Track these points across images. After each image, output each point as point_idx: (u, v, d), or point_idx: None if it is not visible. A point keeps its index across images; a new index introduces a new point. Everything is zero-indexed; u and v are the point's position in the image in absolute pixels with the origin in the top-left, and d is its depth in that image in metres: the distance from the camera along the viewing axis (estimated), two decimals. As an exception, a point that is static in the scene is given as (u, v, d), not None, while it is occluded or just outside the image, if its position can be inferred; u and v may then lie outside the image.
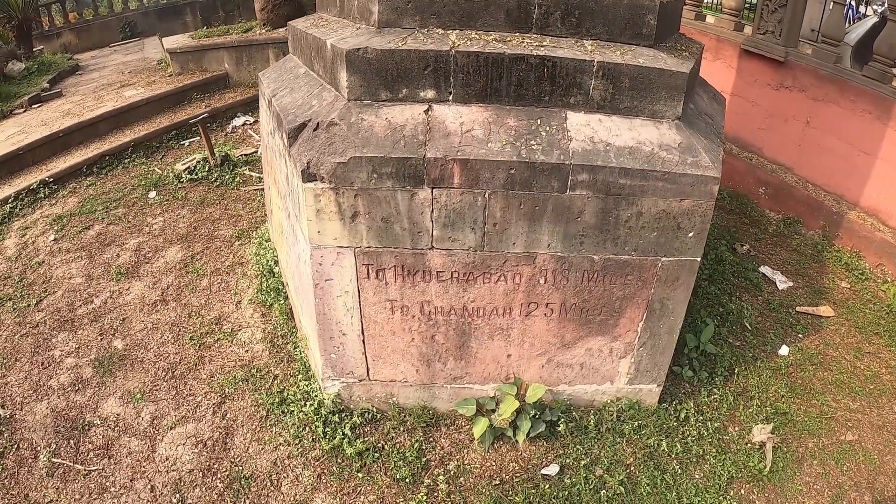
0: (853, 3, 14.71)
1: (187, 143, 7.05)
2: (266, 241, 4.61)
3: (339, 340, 2.71)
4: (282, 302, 3.90)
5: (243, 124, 7.70)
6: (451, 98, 2.36)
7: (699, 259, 2.63)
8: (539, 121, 2.34)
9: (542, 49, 2.31)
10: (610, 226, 2.42)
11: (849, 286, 4.92)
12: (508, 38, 2.39)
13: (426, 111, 2.34)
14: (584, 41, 2.48)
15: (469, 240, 2.37)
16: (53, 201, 5.76)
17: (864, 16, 11.04)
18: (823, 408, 3.50)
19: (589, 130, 2.36)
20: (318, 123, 2.41)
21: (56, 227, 5.23)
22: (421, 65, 2.30)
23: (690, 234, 2.53)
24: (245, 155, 6.58)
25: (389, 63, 2.31)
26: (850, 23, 13.03)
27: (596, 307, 2.62)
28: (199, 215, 5.35)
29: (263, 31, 9.00)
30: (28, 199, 5.74)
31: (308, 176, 2.30)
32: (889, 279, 4.93)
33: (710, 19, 6.96)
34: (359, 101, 2.40)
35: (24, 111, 7.81)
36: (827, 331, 4.25)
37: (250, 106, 8.21)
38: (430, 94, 2.35)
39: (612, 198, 2.36)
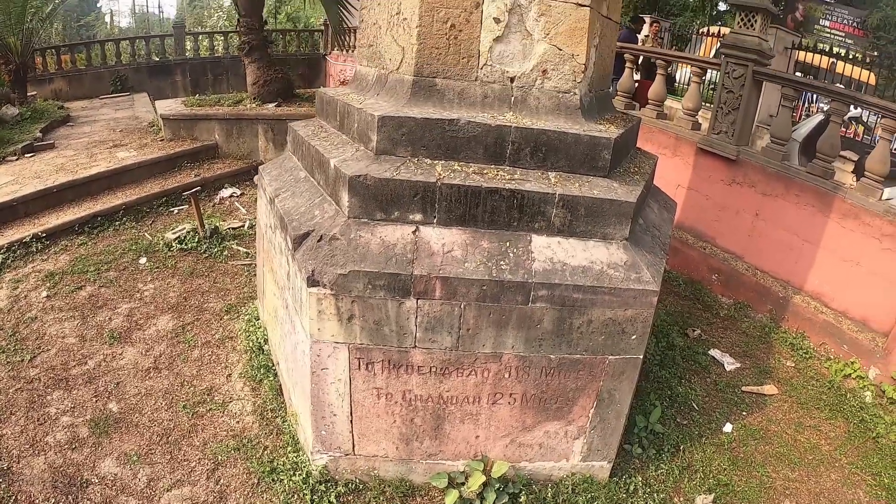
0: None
1: (176, 211, 7.45)
2: (255, 320, 4.96)
3: (329, 420, 3.12)
4: (271, 379, 4.26)
5: (230, 196, 8.11)
6: (435, 221, 2.87)
7: (641, 356, 3.13)
8: (508, 243, 2.86)
9: (513, 182, 2.85)
10: (565, 331, 2.92)
11: (793, 365, 5.46)
12: (485, 171, 2.93)
13: (414, 232, 2.84)
14: (549, 173, 3.03)
15: (446, 341, 2.84)
16: (45, 257, 6.04)
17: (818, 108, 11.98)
18: (763, 478, 3.94)
19: (549, 252, 2.88)
20: (321, 236, 2.89)
21: (48, 284, 5.49)
22: (411, 192, 2.81)
23: (633, 337, 3.04)
24: (233, 228, 6.96)
25: (385, 189, 2.82)
26: (808, 103, 14.12)
27: (553, 397, 3.09)
28: (188, 285, 5.69)
29: (253, 104, 9.52)
30: (20, 251, 5.99)
31: (312, 282, 2.76)
32: (832, 357, 5.49)
33: (674, 112, 7.69)
34: (357, 218, 2.89)
35: (17, 159, 8.10)
36: (770, 408, 4.75)
37: (238, 178, 8.65)
38: (418, 217, 2.86)
39: (567, 308, 2.86)
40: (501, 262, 2.78)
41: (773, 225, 6.30)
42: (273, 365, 4.39)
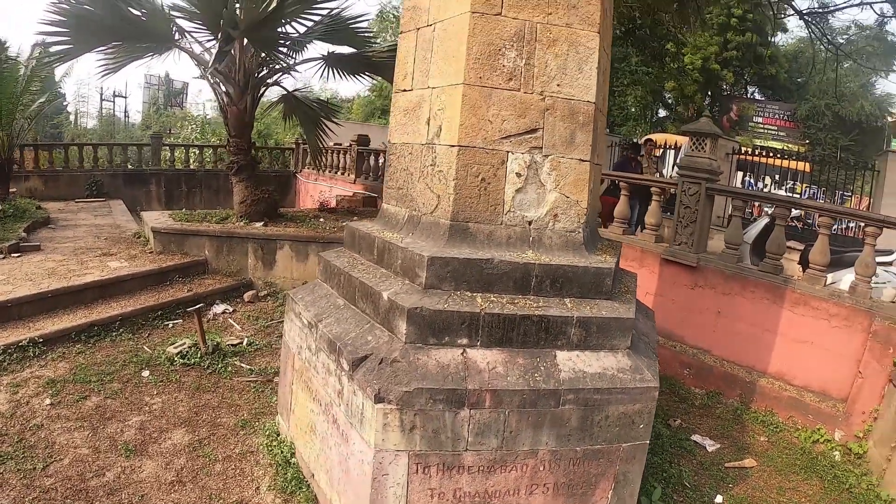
0: (749, 180, 17.67)
1: (171, 325, 7.87)
2: (276, 435, 5.35)
3: (386, 521, 3.68)
4: (305, 490, 4.60)
5: (223, 312, 8.58)
6: (478, 344, 3.60)
7: (648, 442, 3.84)
8: (538, 359, 3.61)
9: (540, 310, 3.64)
10: (587, 426, 3.62)
11: (767, 439, 6.32)
12: (516, 300, 3.71)
13: (462, 353, 3.56)
14: (565, 299, 3.83)
15: (493, 443, 3.50)
16: (43, 363, 6.29)
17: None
18: (756, 535, 4.65)
19: (571, 363, 3.63)
20: (381, 359, 3.57)
21: (51, 392, 5.72)
22: (459, 321, 3.55)
23: (641, 426, 3.76)
24: (232, 345, 7.39)
25: (438, 319, 3.54)
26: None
27: (579, 483, 3.75)
28: (197, 400, 6.01)
29: (240, 223, 10.17)
30: (17, 355, 6.18)
31: (378, 399, 3.40)
32: (800, 427, 6.42)
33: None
34: (413, 343, 3.59)
35: (4, 258, 8.50)
36: (752, 478, 5.50)
37: (228, 295, 9.12)
38: (465, 341, 3.59)
39: (589, 408, 3.58)
40: (535, 375, 3.51)
41: (734, 320, 7.26)
42: (305, 478, 4.79)
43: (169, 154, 19.14)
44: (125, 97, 40.88)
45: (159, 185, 17.42)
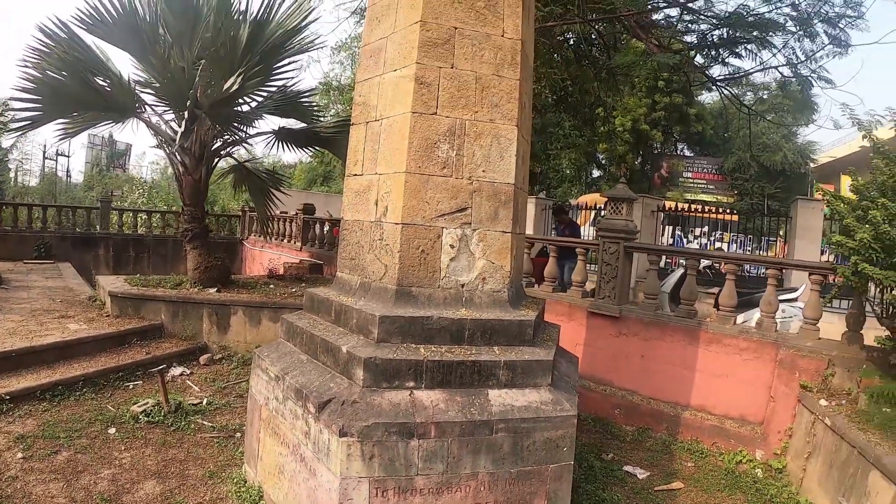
0: (679, 234, 19.20)
1: (132, 386, 8.38)
2: (243, 482, 5.94)
3: (350, 542, 4.44)
4: None
5: (181, 374, 9.13)
6: (423, 386, 4.46)
7: (572, 462, 4.73)
8: (473, 397, 4.49)
9: (473, 356, 4.55)
10: (518, 451, 4.49)
11: (693, 464, 7.30)
12: (453, 349, 4.61)
13: (410, 394, 4.41)
14: (494, 347, 4.75)
15: (439, 468, 4.33)
16: (11, 419, 6.70)
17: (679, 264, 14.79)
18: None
19: (501, 399, 4.53)
20: (343, 401, 4.39)
21: (22, 446, 6.09)
22: (407, 367, 4.42)
23: (565, 449, 4.66)
24: (193, 405, 7.91)
25: (389, 366, 4.41)
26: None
27: (516, 500, 4.59)
28: (164, 455, 6.47)
29: (194, 289, 10.79)
30: None
31: (342, 433, 4.21)
32: (723, 451, 7.48)
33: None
34: (369, 388, 4.43)
35: None
36: (681, 498, 6.43)
37: (184, 358, 9.66)
38: (412, 383, 4.45)
39: (519, 435, 4.46)
40: (472, 409, 4.39)
41: (657, 361, 8.30)
42: (273, 517, 5.51)
43: (117, 218, 19.59)
44: (68, 156, 41.05)
45: (108, 250, 17.88)
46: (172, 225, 20.85)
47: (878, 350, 6.77)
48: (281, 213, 17.08)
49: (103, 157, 47.86)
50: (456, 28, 5.12)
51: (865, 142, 6.96)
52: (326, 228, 16.59)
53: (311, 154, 13.96)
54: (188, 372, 9.30)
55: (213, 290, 10.86)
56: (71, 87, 9.73)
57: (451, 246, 4.95)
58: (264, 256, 18.58)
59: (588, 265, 9.86)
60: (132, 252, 18.45)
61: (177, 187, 12.43)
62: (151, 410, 7.41)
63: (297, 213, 17.46)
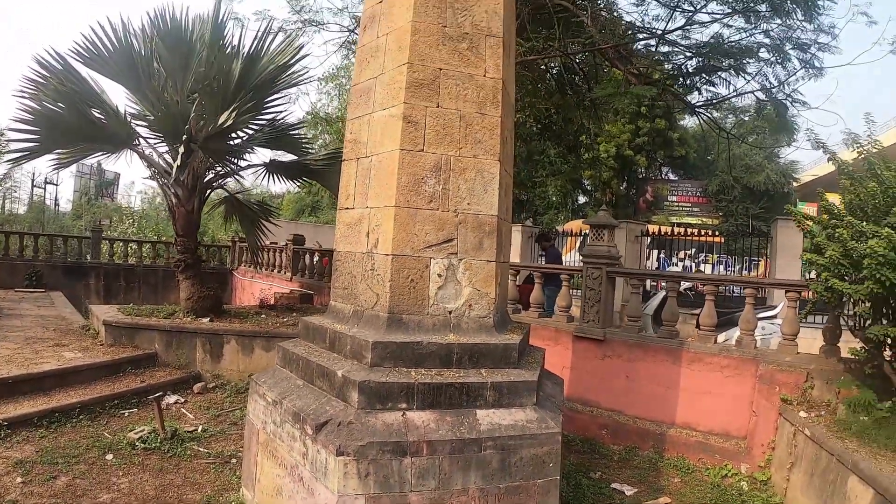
0: (664, 258, 19.63)
1: (127, 413, 8.57)
2: None
3: (347, 557, 4.70)
4: None
5: (175, 402, 9.33)
6: (415, 407, 4.76)
7: (559, 478, 5.02)
8: (462, 416, 4.80)
9: (461, 378, 4.86)
10: (506, 467, 4.79)
11: (680, 480, 7.59)
12: (443, 372, 4.92)
13: (402, 415, 4.71)
14: (481, 370, 5.07)
15: (432, 484, 4.61)
16: (9, 445, 6.87)
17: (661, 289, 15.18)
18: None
19: (489, 418, 4.83)
20: (339, 422, 4.68)
21: (21, 471, 6.27)
22: (399, 389, 4.72)
23: (551, 465, 4.96)
24: (188, 432, 8.12)
25: (382, 389, 4.71)
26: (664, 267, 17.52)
27: (505, 514, 4.88)
28: (161, 480, 6.67)
29: (188, 318, 11.02)
30: None
31: (339, 452, 4.50)
32: (709, 466, 7.77)
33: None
34: (363, 409, 4.72)
35: None
36: None
37: (178, 386, 9.86)
38: (404, 405, 4.75)
39: (506, 452, 4.76)
40: (461, 428, 4.70)
41: (641, 382, 8.63)
42: (272, 535, 5.77)
43: (108, 248, 19.81)
44: (56, 185, 41.14)
45: (98, 279, 18.08)
46: (162, 255, 21.07)
47: (854, 361, 7.15)
48: (271, 243, 17.37)
49: (92, 186, 48.04)
50: (441, 69, 5.52)
51: (830, 164, 7.42)
52: (316, 259, 16.89)
53: (299, 185, 14.26)
54: (182, 400, 9.52)
55: (205, 320, 11.10)
56: (68, 118, 10.07)
57: (439, 275, 5.29)
58: (254, 286, 18.83)
59: (575, 290, 10.25)
60: (123, 282, 18.67)
61: (169, 218, 12.71)
62: (148, 437, 7.63)
63: (287, 244, 17.77)
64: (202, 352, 10.53)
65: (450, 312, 5.34)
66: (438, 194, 5.35)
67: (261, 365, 10.15)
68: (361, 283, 5.56)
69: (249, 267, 19.61)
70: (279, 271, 18.13)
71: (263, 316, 12.39)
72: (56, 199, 42.94)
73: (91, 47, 10.01)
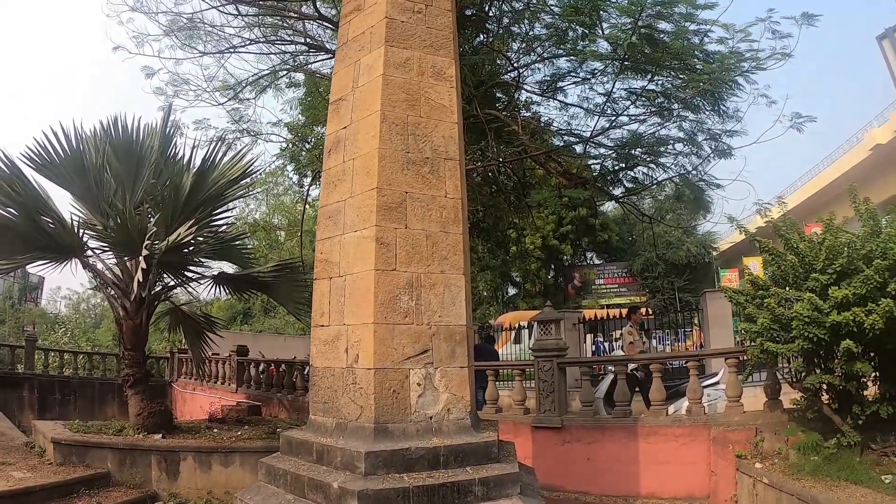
0: (600, 340, 20.62)
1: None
2: None
3: None
4: None
5: (136, 529, 9.29)
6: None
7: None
8: (456, 512, 5.26)
9: (451, 478, 5.35)
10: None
11: None
12: (433, 474, 5.40)
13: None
14: (467, 468, 5.57)
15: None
16: None
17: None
18: None
19: (480, 513, 5.31)
20: (340, 533, 5.04)
21: None
22: (395, 494, 5.15)
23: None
24: None
25: (380, 495, 5.10)
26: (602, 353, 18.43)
27: None
28: None
29: (139, 435, 10.80)
30: None
31: (343, 564, 4.85)
32: None
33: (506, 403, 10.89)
34: (362, 517, 5.12)
35: None
36: None
37: (135, 507, 9.78)
38: (403, 497, 5.18)
39: (499, 539, 5.23)
40: (458, 521, 5.17)
41: (603, 461, 9.22)
42: None
43: (43, 358, 19.14)
44: (-23, 286, 39.25)
45: (32, 391, 17.30)
46: (98, 367, 20.50)
47: (797, 410, 8.11)
48: (213, 354, 17.24)
49: (16, 289, 46.10)
50: (407, 192, 6.22)
51: (743, 235, 8.58)
52: (261, 368, 16.87)
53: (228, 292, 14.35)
54: (142, 527, 9.40)
55: (158, 436, 10.96)
56: (20, 225, 10.08)
57: (418, 384, 5.83)
58: (196, 399, 18.50)
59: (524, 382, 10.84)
60: (58, 394, 17.79)
61: (103, 327, 12.68)
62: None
63: (230, 355, 17.62)
64: (158, 470, 10.28)
65: (430, 417, 5.85)
66: (412, 309, 5.95)
67: (220, 481, 10.12)
68: (343, 397, 6.01)
69: (191, 379, 19.31)
70: (223, 383, 17.90)
71: (216, 430, 12.28)
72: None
73: (43, 153, 10.18)
